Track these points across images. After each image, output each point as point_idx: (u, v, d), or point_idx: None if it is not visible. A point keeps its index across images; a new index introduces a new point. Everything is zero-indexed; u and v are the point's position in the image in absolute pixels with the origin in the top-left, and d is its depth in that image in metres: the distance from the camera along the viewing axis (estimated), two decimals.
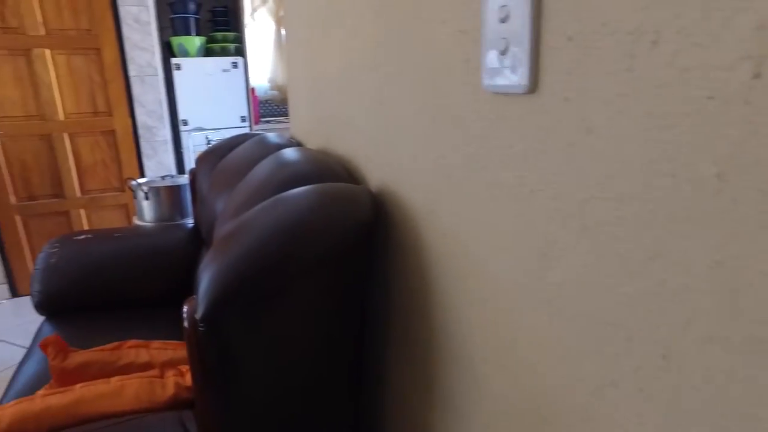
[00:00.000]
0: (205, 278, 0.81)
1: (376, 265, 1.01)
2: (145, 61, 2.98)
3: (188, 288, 1.90)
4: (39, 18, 2.77)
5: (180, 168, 3.28)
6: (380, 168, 0.97)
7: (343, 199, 0.88)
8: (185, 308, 0.84)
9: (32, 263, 3.07)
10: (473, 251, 0.65)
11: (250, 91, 3.39)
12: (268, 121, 3.73)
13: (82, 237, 1.95)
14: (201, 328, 0.75)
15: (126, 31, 2.91)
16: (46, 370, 1.39)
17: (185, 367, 1.11)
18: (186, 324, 0.81)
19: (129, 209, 3.15)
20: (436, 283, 0.77)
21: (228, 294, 0.76)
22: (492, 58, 0.55)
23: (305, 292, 0.82)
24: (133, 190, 2.22)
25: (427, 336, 0.82)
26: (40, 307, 1.82)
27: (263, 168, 1.22)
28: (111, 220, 3.15)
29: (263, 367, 0.85)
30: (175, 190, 2.21)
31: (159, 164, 3.12)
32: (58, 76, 2.87)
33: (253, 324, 0.79)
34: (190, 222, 2.17)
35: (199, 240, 1.96)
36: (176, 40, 3.25)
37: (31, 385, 1.45)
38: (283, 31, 3.73)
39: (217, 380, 0.83)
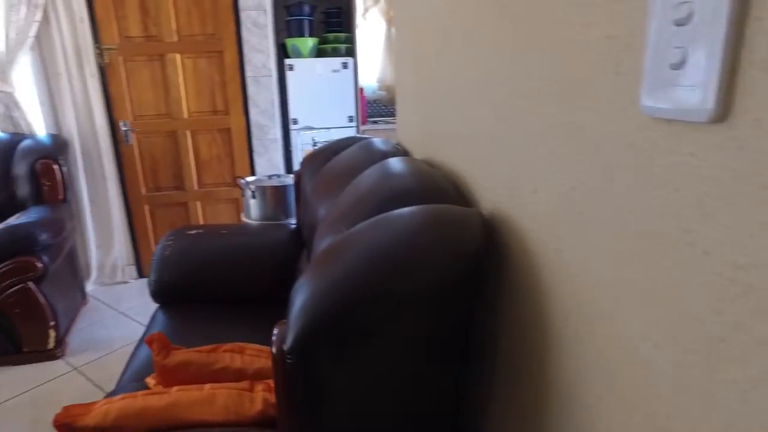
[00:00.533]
0: (298, 302, 0.76)
1: (484, 296, 0.90)
2: (261, 63, 3.09)
3: (287, 288, 1.92)
4: (174, 26, 2.98)
5: (288, 166, 3.38)
6: (494, 190, 0.85)
7: (452, 224, 0.78)
8: (275, 332, 0.80)
9: (155, 248, 3.34)
10: (607, 309, 0.53)
11: (358, 92, 3.40)
12: (375, 122, 3.73)
13: (194, 232, 2.05)
14: (289, 360, 0.70)
15: (245, 34, 3.04)
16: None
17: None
18: (274, 350, 0.77)
19: (239, 204, 3.31)
20: (553, 327, 0.65)
21: (317, 327, 0.70)
22: (658, 72, 0.42)
23: (402, 329, 0.74)
24: (241, 188, 2.31)
25: (540, 379, 0.70)
26: (155, 295, 1.94)
27: (367, 178, 1.16)
28: (222, 213, 3.33)
29: (351, 401, 0.78)
30: (280, 191, 2.26)
31: (269, 162, 3.24)
32: (185, 78, 3.08)
33: (343, 359, 0.73)
34: (293, 222, 2.20)
35: (300, 241, 1.97)
36: (290, 42, 3.34)
37: (141, 370, 1.54)
38: (393, 31, 3.70)
39: (301, 410, 0.77)
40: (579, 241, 0.58)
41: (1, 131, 2.95)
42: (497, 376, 0.88)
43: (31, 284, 2.31)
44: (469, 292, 0.79)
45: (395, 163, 1.15)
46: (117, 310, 2.96)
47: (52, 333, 2.42)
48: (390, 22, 3.69)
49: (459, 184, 1.05)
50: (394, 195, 0.95)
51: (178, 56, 3.04)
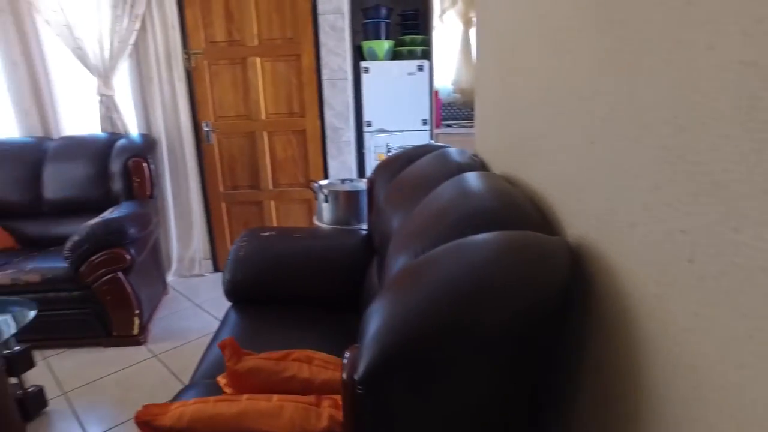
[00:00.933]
0: (372, 328, 0.73)
1: (567, 333, 0.83)
2: (337, 65, 3.12)
3: (356, 294, 1.92)
4: (255, 31, 3.08)
5: (360, 169, 3.40)
6: (583, 217, 0.79)
7: (536, 255, 0.73)
8: (346, 356, 0.78)
9: (230, 245, 3.48)
10: (729, 382, 0.46)
11: (433, 94, 3.36)
12: (449, 125, 3.67)
13: (267, 233, 2.10)
14: (359, 390, 0.68)
15: (323, 38, 3.09)
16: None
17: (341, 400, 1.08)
18: (345, 376, 0.75)
19: (311, 204, 3.37)
20: (646, 378, 0.58)
21: (390, 361, 0.67)
22: None
23: (479, 365, 0.69)
24: (314, 192, 2.34)
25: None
26: (228, 294, 2.01)
27: (443, 194, 1.12)
28: (295, 213, 3.41)
29: None
30: (353, 196, 2.27)
31: (342, 164, 3.27)
32: (263, 81, 3.17)
33: (415, 393, 0.69)
34: (364, 228, 2.20)
35: (371, 248, 1.96)
36: (367, 44, 3.35)
37: (213, 368, 1.59)
38: (471, 33, 3.61)
39: None
40: (688, 292, 0.51)
41: (102, 131, 3.19)
42: (578, 414, 0.81)
43: (120, 274, 2.47)
44: (551, 329, 0.74)
45: (473, 180, 1.11)
46: (194, 302, 3.11)
47: (136, 320, 2.58)
48: (467, 24, 3.61)
49: (542, 207, 0.98)
50: (473, 217, 0.91)
51: (258, 60, 3.14)
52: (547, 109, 0.97)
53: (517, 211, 0.91)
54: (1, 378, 1.97)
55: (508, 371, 0.74)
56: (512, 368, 0.73)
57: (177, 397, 1.44)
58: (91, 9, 2.99)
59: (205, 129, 3.23)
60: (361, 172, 3.38)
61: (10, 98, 3.25)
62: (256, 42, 3.11)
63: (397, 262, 1.02)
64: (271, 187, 3.35)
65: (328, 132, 3.23)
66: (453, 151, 1.56)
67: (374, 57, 3.35)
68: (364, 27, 3.41)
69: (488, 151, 1.61)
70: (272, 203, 3.38)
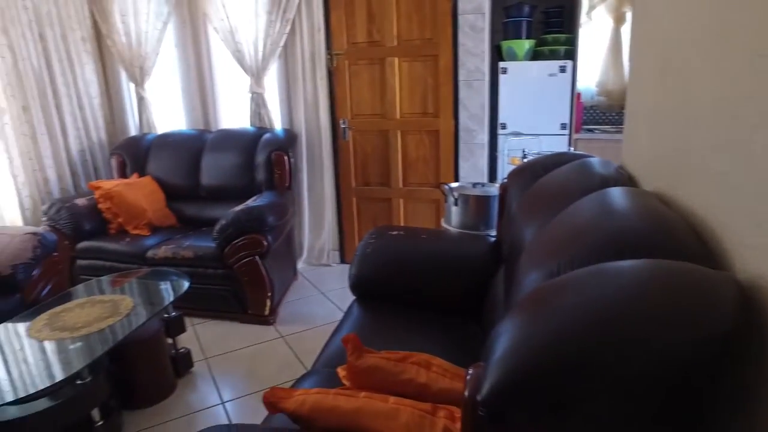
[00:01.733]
0: (499, 348, 0.70)
1: (727, 389, 0.72)
2: (474, 66, 3.07)
3: (480, 302, 1.87)
4: (395, 32, 3.15)
5: (492, 172, 3.31)
6: (760, 249, 0.67)
7: (694, 290, 0.63)
8: (470, 373, 0.75)
9: (358, 239, 3.61)
10: None
11: (575, 97, 3.15)
12: (590, 129, 3.42)
13: (395, 233, 2.13)
14: (480, 412, 0.65)
15: (461, 38, 3.05)
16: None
17: (458, 413, 1.05)
18: (467, 393, 0.72)
19: (439, 205, 3.36)
20: None
21: (517, 385, 0.63)
22: None
23: (616, 407, 0.62)
24: (444, 194, 2.32)
25: None
26: (353, 288, 2.07)
27: (583, 209, 1.03)
28: (423, 212, 3.43)
29: None
30: (484, 201, 2.21)
31: (473, 167, 3.22)
32: (400, 81, 3.23)
33: (541, 424, 0.65)
34: (493, 235, 2.14)
35: (499, 257, 1.90)
36: (506, 44, 3.25)
37: (334, 358, 1.66)
38: (622, 31, 3.32)
39: None
40: None
41: (251, 125, 3.50)
42: None
43: (257, 258, 2.69)
44: (708, 378, 0.64)
45: (618, 196, 1.01)
46: (320, 290, 3.28)
47: (268, 302, 2.79)
48: (618, 20, 3.32)
49: (704, 234, 0.86)
50: (616, 239, 0.82)
51: (396, 60, 3.20)
52: (718, 119, 0.84)
53: (671, 236, 0.80)
54: (161, 337, 2.26)
55: (650, 419, 0.65)
56: (655, 417, 0.65)
57: (299, 382, 1.52)
58: (250, 16, 3.28)
59: (342, 126, 3.38)
60: (492, 176, 3.29)
61: (181, 96, 3.70)
62: (395, 42, 3.18)
63: (529, 278, 0.97)
64: (401, 185, 3.41)
65: (462, 133, 3.19)
66: (596, 162, 1.44)
67: (513, 57, 3.24)
68: (504, 26, 3.30)
69: (637, 164, 1.46)
70: (401, 201, 3.44)
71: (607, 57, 3.39)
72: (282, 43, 3.27)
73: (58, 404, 1.74)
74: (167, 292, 2.31)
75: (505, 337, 0.72)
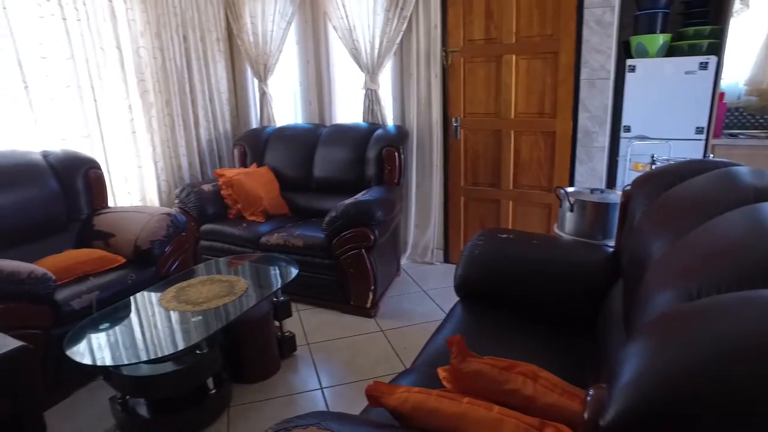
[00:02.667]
0: (627, 371, 0.63)
1: None
2: (599, 64, 2.86)
3: (591, 316, 1.74)
4: (513, 28, 3.04)
5: (611, 178, 3.07)
6: None
7: None
8: (590, 394, 0.69)
9: (464, 239, 3.55)
10: None
11: (717, 97, 2.81)
12: (733, 135, 3.04)
13: (505, 236, 2.05)
14: None
15: (586, 34, 2.86)
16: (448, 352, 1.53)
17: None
18: (586, 415, 0.66)
19: (551, 210, 3.20)
20: None
21: (654, 416, 0.56)
22: None
23: None
24: (560, 199, 2.19)
25: None
26: (458, 288, 2.04)
27: (728, 226, 0.91)
28: (533, 216, 3.28)
29: None
30: (602, 208, 2.05)
31: (591, 171, 3.01)
32: (517, 79, 3.11)
33: None
34: (610, 245, 1.98)
35: (616, 269, 1.75)
36: (636, 40, 2.98)
37: (434, 358, 1.64)
38: None
39: None
40: None
41: (363, 120, 3.58)
42: None
43: (363, 251, 2.74)
44: None
45: None
46: (421, 288, 3.27)
47: (371, 295, 2.84)
48: None
49: None
50: None
51: (513, 57, 3.09)
52: None
53: None
54: (270, 320, 2.39)
55: None
56: None
57: (399, 379, 1.52)
58: (368, 14, 3.35)
59: (454, 125, 3.34)
60: (610, 182, 3.05)
61: (300, 91, 3.89)
62: (513, 39, 3.06)
63: (659, 298, 0.87)
64: (511, 187, 3.29)
65: (580, 135, 3.00)
66: (745, 171, 1.26)
67: (643, 54, 2.96)
68: (635, 20, 3.03)
69: None
70: (510, 203, 3.32)
71: (764, 50, 2.98)
72: (398, 41, 3.30)
73: (181, 369, 1.91)
74: (277, 277, 2.44)
75: (634, 361, 0.65)
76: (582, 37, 2.88)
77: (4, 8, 2.72)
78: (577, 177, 3.07)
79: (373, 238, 2.70)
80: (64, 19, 2.97)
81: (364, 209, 2.70)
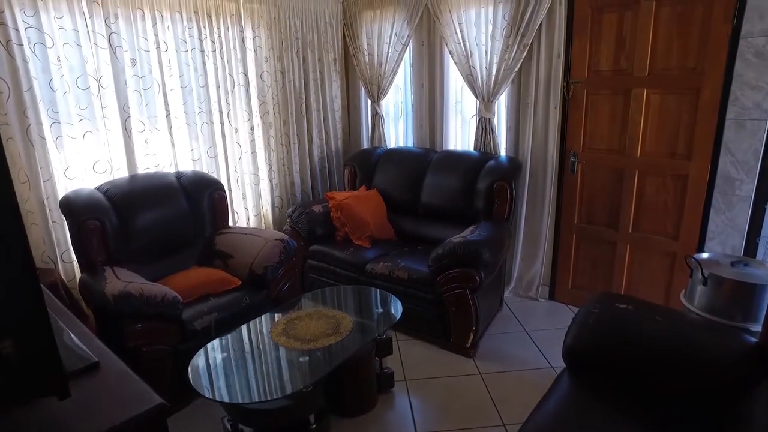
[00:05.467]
0: None
1: None
2: (752, 102, 2.52)
3: (723, 413, 1.55)
4: (647, 60, 2.78)
5: (752, 230, 2.71)
6: None
7: None
8: None
9: (572, 278, 3.36)
10: None
11: None
12: None
13: (623, 305, 1.89)
14: None
15: (739, 68, 2.53)
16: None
17: None
18: None
19: (675, 260, 2.91)
20: None
21: None
22: None
23: None
24: (690, 268, 1.97)
25: None
26: (566, 356, 1.91)
27: None
28: (653, 266, 3.01)
29: None
30: (745, 288, 1.80)
31: (729, 222, 2.68)
32: (646, 115, 2.85)
33: None
34: (754, 330, 1.74)
35: (763, 365, 1.54)
36: None
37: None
38: None
39: None
40: None
41: (474, 149, 3.49)
42: None
43: (467, 291, 2.69)
44: None
45: None
46: (524, 327, 3.15)
47: (471, 335, 2.78)
48: None
49: None
50: None
51: (644, 91, 2.83)
52: None
53: None
54: (371, 357, 2.44)
55: None
56: None
57: None
58: (486, 40, 3.25)
59: (572, 159, 3.15)
60: (750, 238, 2.68)
61: (411, 113, 3.89)
62: (645, 72, 2.80)
63: None
64: (630, 230, 3.04)
65: (719, 181, 2.68)
66: None
67: None
68: None
69: None
70: (627, 248, 3.07)
71: None
72: (516, 69, 3.17)
73: (287, 406, 2.01)
74: (381, 318, 2.47)
75: None
76: (733, 72, 2.55)
77: (166, 49, 3.03)
78: (711, 227, 2.75)
79: (478, 280, 2.64)
80: (203, 51, 3.22)
81: (471, 250, 2.64)
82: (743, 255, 2.70)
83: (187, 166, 3.29)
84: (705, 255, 2.03)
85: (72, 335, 1.12)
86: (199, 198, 3.02)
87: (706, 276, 1.84)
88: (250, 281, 2.75)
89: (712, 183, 2.71)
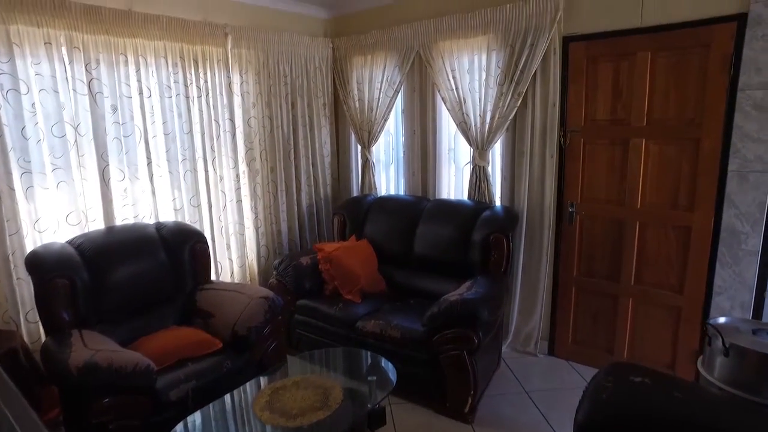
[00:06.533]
0: None
1: None
2: (755, 155, 2.46)
3: None
4: (644, 110, 2.72)
5: (761, 286, 2.60)
6: None
7: None
8: None
9: (572, 332, 3.20)
10: None
11: None
12: None
13: (639, 379, 1.73)
14: None
15: (739, 120, 2.48)
16: None
17: None
18: None
19: (680, 315, 2.78)
20: None
21: None
22: None
23: None
24: (707, 335, 1.83)
25: None
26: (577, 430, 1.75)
27: None
28: (657, 320, 2.87)
29: None
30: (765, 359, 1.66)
31: (736, 276, 2.58)
32: (645, 165, 2.77)
33: None
34: None
35: None
36: None
37: None
38: None
39: None
40: None
41: (468, 198, 3.39)
42: None
43: (465, 353, 2.51)
44: None
45: None
46: (523, 388, 2.96)
47: (469, 400, 2.59)
48: None
49: None
50: None
51: (643, 141, 2.76)
52: None
53: None
54: (363, 429, 2.24)
55: None
56: None
57: None
58: (480, 87, 3.19)
59: (570, 210, 3.04)
60: (761, 293, 2.57)
61: (404, 160, 3.79)
62: (643, 122, 2.74)
63: None
64: (632, 283, 2.91)
65: (724, 234, 2.58)
66: None
67: None
68: None
69: None
70: (630, 301, 2.94)
71: None
72: (511, 117, 3.10)
73: None
74: (374, 388, 2.27)
75: None
76: (733, 123, 2.50)
77: (149, 95, 2.91)
78: (718, 281, 2.64)
79: (476, 341, 2.47)
80: (188, 97, 3.11)
81: (469, 309, 2.48)
82: (752, 310, 2.58)
83: (168, 217, 3.13)
84: (722, 320, 1.90)
85: (11, 419, 0.93)
86: (179, 250, 2.84)
87: (727, 346, 1.71)
88: (232, 343, 2.55)
89: (716, 235, 2.61)
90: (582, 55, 2.88)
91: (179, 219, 3.15)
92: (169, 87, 3.01)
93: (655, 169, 2.76)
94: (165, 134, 3.03)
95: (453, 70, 3.28)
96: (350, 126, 4.00)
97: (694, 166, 2.64)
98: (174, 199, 3.14)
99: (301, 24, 3.88)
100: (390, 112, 3.73)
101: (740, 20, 2.44)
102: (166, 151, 3.05)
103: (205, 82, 3.21)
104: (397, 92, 3.65)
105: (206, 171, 3.28)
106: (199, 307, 2.76)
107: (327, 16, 4.05)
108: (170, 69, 3.01)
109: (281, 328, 2.85)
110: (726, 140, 2.53)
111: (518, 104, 3.05)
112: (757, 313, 2.58)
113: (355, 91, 3.88)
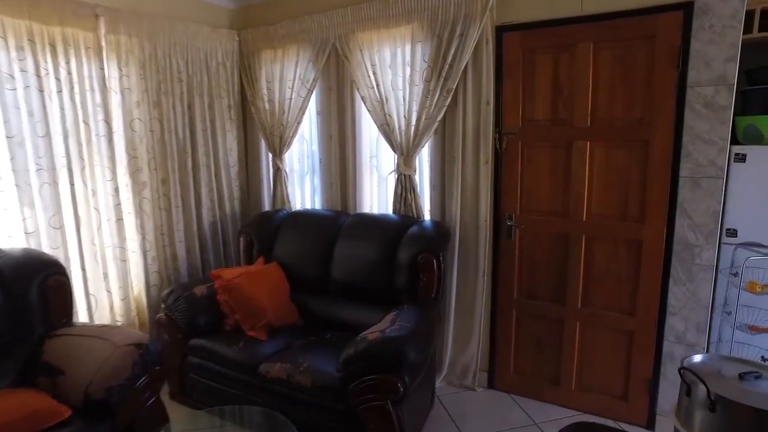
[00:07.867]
0: None
1: None
2: (707, 159, 2.18)
3: None
4: (588, 108, 2.40)
5: (716, 305, 2.33)
6: None
7: None
8: None
9: (514, 362, 2.82)
10: None
11: None
12: None
13: None
14: None
15: (689, 119, 2.20)
16: None
17: None
18: None
19: (632, 339, 2.46)
20: None
21: None
22: None
23: None
24: (683, 379, 1.46)
25: None
26: None
27: None
28: (607, 346, 2.54)
29: None
30: (762, 416, 1.30)
31: (690, 295, 2.28)
32: (591, 172, 2.45)
33: None
34: None
35: None
36: (745, 122, 2.31)
37: None
38: None
39: None
40: None
41: (393, 211, 2.94)
42: None
43: (389, 404, 2.04)
44: None
45: None
46: (460, 430, 2.52)
47: None
48: None
49: None
50: None
51: (587, 144, 2.43)
52: None
53: None
54: None
55: None
56: None
57: None
58: (404, 84, 2.77)
59: (508, 223, 2.67)
60: (714, 313, 2.29)
61: (320, 169, 3.31)
62: (587, 122, 2.42)
63: None
64: (579, 305, 2.57)
65: (677, 248, 2.29)
66: None
67: (757, 139, 2.28)
68: (743, 96, 2.37)
69: None
70: (577, 325, 2.59)
71: None
72: (440, 118, 2.70)
73: None
74: None
75: None
76: (684, 124, 2.21)
77: None
78: (672, 301, 2.34)
79: (402, 389, 2.00)
80: (42, 91, 2.47)
81: (392, 351, 2.01)
82: (706, 330, 2.29)
83: (16, 242, 2.46)
84: (698, 358, 1.55)
85: None
86: (24, 287, 2.19)
87: (713, 398, 1.34)
88: (85, 409, 1.94)
89: (669, 249, 2.32)
90: (517, 46, 2.52)
91: (32, 245, 2.49)
92: (12, 77, 2.37)
93: (601, 175, 2.44)
94: (8, 137, 2.37)
95: (373, 65, 2.84)
96: (260, 131, 3.47)
97: (643, 171, 2.34)
98: (25, 219, 2.47)
99: (201, 12, 3.32)
100: (303, 114, 3.24)
101: (686, 9, 2.17)
102: (11, 159, 2.39)
103: (69, 73, 2.59)
104: (311, 91, 3.17)
105: (72, 184, 2.63)
106: (45, 361, 2.11)
107: (233, 6, 3.52)
108: (13, 53, 2.36)
109: (163, 377, 2.25)
110: (677, 142, 2.25)
111: (447, 103, 2.65)
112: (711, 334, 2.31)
113: (265, 90, 3.37)
